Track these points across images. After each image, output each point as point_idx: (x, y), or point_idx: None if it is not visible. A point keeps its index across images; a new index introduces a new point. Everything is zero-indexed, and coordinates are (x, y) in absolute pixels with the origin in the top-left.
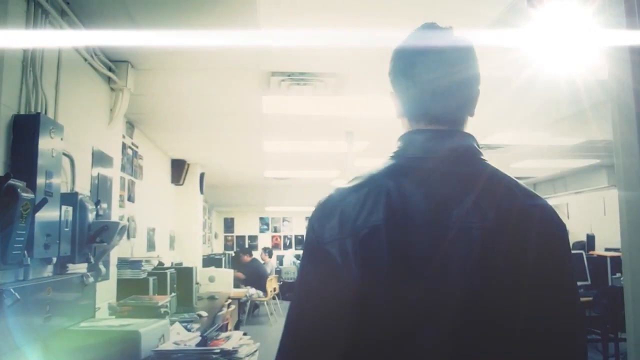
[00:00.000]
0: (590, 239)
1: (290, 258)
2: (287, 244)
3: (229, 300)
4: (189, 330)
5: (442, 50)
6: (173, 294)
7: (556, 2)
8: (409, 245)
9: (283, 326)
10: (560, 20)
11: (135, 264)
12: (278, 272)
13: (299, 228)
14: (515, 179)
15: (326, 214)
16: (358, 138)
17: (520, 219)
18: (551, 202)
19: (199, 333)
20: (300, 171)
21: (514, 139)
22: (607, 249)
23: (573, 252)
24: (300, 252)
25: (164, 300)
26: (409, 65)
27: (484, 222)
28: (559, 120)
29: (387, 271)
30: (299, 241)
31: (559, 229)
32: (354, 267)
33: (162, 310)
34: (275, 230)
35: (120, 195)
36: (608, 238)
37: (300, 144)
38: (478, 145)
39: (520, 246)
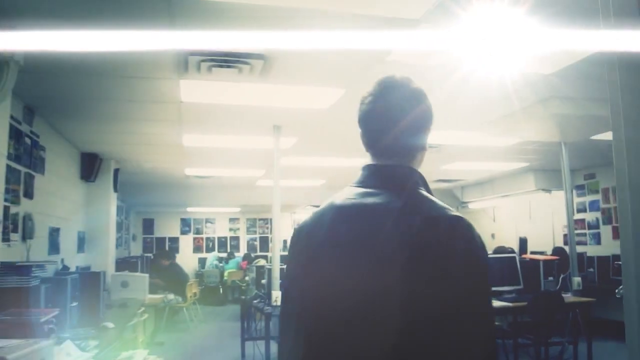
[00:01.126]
0: (523, 242)
1: (213, 261)
2: (210, 246)
3: (142, 309)
4: (83, 349)
5: (386, 99)
6: (74, 304)
7: (487, 3)
8: (325, 260)
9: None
10: (491, 21)
11: (22, 270)
12: (200, 275)
13: (223, 230)
14: (435, 203)
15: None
16: (286, 133)
17: (423, 233)
18: (478, 205)
19: (96, 352)
20: (224, 169)
21: (447, 139)
22: (532, 252)
23: (506, 255)
24: (222, 254)
25: (49, 314)
26: (363, 112)
27: (395, 253)
28: (491, 120)
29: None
30: (222, 244)
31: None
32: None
33: (47, 327)
34: (198, 232)
35: (14, 190)
36: (534, 241)
37: (223, 138)
38: (419, 178)
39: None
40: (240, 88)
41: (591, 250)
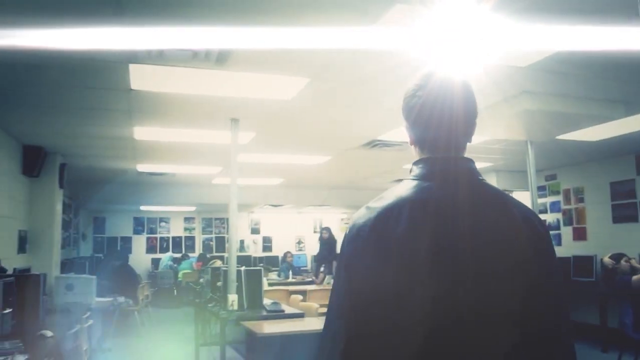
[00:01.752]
0: None
1: (167, 262)
2: (164, 246)
3: (88, 313)
4: None
5: (449, 92)
6: (6, 310)
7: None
8: (432, 251)
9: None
10: (454, 20)
11: None
12: (153, 276)
13: (178, 229)
14: (508, 194)
15: (362, 225)
16: (244, 127)
17: (515, 230)
18: None
19: None
20: (178, 166)
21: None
22: None
23: None
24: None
25: None
26: (422, 105)
27: (484, 232)
28: None
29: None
30: (176, 244)
31: (546, 233)
32: (388, 272)
33: None
34: (152, 232)
35: None
36: None
37: (177, 132)
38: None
39: (519, 251)
40: (195, 76)
41: None
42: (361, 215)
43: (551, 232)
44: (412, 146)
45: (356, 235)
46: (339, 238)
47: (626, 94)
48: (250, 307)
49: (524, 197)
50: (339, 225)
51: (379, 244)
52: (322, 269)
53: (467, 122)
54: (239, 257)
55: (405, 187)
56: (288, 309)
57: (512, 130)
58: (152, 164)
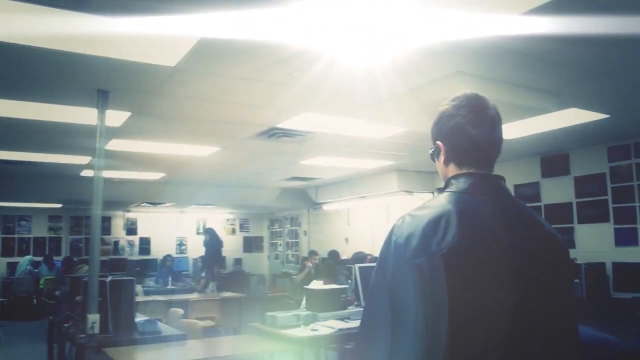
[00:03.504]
0: None
1: (25, 266)
2: (24, 248)
3: None
4: None
5: (486, 115)
6: None
7: None
8: (479, 260)
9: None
10: (356, 10)
11: None
12: (8, 284)
13: (41, 229)
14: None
15: (410, 232)
16: (116, 103)
17: (546, 241)
18: (333, 206)
19: None
20: (39, 154)
21: (313, 125)
22: None
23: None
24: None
25: None
26: (465, 124)
27: (526, 242)
28: (358, 108)
29: (466, 283)
30: (39, 245)
31: (565, 246)
32: (440, 280)
33: None
34: (9, 232)
35: None
36: None
37: (32, 107)
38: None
39: (551, 263)
40: (50, 22)
41: None
42: (406, 222)
43: None
44: (442, 163)
45: (406, 241)
46: (226, 240)
47: (559, 86)
48: (117, 329)
49: (423, 199)
50: (224, 226)
51: (427, 252)
52: (203, 274)
53: (499, 142)
54: (112, 261)
55: (448, 199)
56: (166, 329)
57: (421, 123)
58: (6, 150)
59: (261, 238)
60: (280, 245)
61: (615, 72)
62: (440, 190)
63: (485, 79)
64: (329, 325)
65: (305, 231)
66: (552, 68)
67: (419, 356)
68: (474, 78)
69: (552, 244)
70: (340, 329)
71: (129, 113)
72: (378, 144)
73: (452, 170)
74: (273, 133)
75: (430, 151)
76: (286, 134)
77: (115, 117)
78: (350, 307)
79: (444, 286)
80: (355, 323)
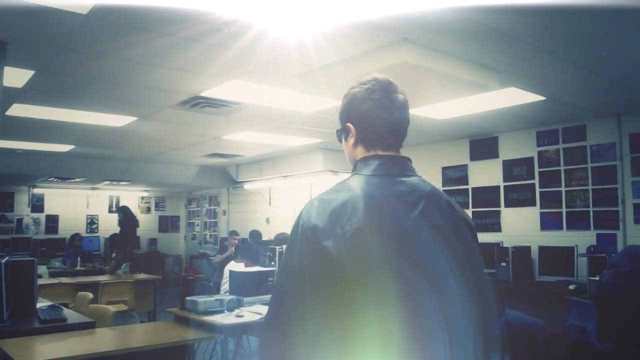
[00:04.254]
0: None
1: None
2: None
3: None
4: None
5: (397, 99)
6: None
7: None
8: (385, 241)
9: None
10: None
11: None
12: None
13: None
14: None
15: (317, 216)
16: (16, 57)
17: (452, 214)
18: (254, 185)
19: None
20: None
21: (240, 94)
22: None
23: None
24: None
25: None
26: (377, 107)
27: (433, 221)
28: (289, 77)
29: (370, 263)
30: None
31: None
32: (346, 261)
33: None
34: None
35: None
36: None
37: None
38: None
39: (458, 232)
40: None
41: None
42: (314, 206)
43: None
44: (351, 145)
45: (314, 225)
46: (141, 220)
47: (504, 61)
48: (15, 317)
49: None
50: (139, 204)
51: (333, 234)
52: (114, 255)
53: (407, 125)
54: (15, 240)
55: (357, 182)
56: (73, 316)
57: None
58: None
59: (178, 217)
60: (198, 225)
61: (560, 50)
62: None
63: (430, 49)
64: (255, 311)
65: (224, 211)
66: (499, 42)
67: (336, 338)
68: (419, 47)
69: (454, 214)
70: None
71: (32, 71)
72: (307, 119)
73: (361, 152)
74: (196, 102)
75: (337, 132)
76: (211, 103)
77: (16, 76)
78: None
79: (350, 267)
80: None
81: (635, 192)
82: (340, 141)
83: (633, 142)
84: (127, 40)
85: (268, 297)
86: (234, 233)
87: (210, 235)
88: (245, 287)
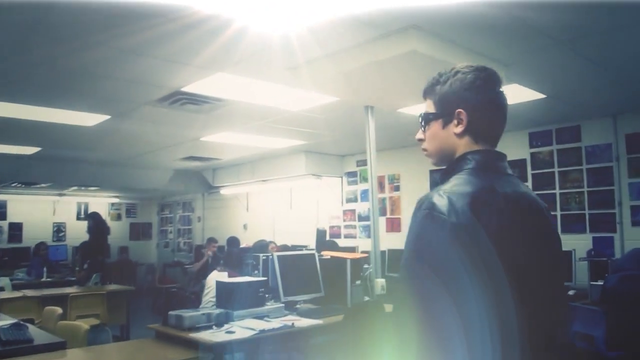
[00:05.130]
0: (322, 234)
1: None
2: None
3: None
4: None
5: (500, 88)
6: None
7: None
8: (517, 236)
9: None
10: None
11: None
12: None
13: None
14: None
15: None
16: None
17: (549, 220)
18: (231, 190)
19: None
20: None
21: (225, 90)
22: (296, 246)
23: (305, 253)
24: None
25: None
26: (491, 98)
27: (541, 226)
28: (278, 70)
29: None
30: None
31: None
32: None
33: None
34: None
35: None
36: (295, 234)
37: None
38: None
39: (554, 238)
40: None
41: (363, 244)
42: (452, 200)
43: (361, 223)
44: (455, 134)
45: (457, 220)
46: (111, 227)
47: (510, 55)
48: None
49: (335, 184)
50: (108, 211)
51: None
52: (85, 265)
53: (506, 119)
54: None
55: (478, 176)
56: (40, 335)
57: (347, 91)
58: None
59: (150, 224)
60: (171, 232)
61: (569, 42)
62: (451, 170)
63: (440, 37)
64: (247, 326)
65: (199, 217)
66: (507, 34)
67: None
68: (429, 35)
69: (547, 217)
70: (262, 330)
71: None
72: (292, 118)
73: (466, 143)
74: (177, 99)
75: (427, 115)
76: (192, 100)
77: None
78: (268, 303)
79: (498, 263)
80: (277, 322)
81: (633, 193)
82: (426, 125)
83: (629, 143)
84: (99, 25)
85: (260, 309)
86: (212, 240)
87: (185, 243)
88: (235, 299)
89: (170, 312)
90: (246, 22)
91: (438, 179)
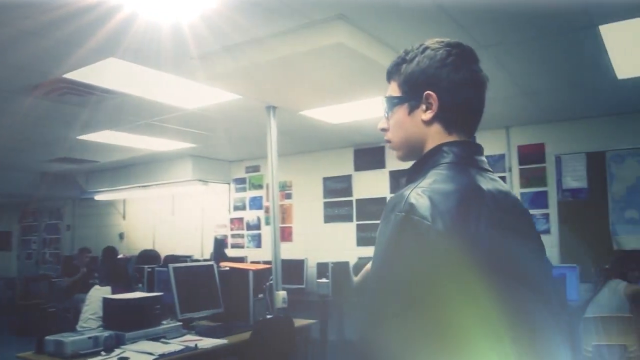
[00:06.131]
0: (220, 244)
1: None
2: None
3: None
4: None
5: (478, 68)
6: None
7: None
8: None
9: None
10: None
11: None
12: None
13: None
14: None
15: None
16: None
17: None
18: (107, 196)
19: None
20: None
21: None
22: (181, 257)
23: (202, 264)
24: None
25: None
26: (465, 80)
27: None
28: (165, 60)
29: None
30: None
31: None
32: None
33: None
34: None
35: None
36: (179, 243)
37: None
38: None
39: (537, 233)
40: None
41: (251, 254)
42: (433, 200)
43: (249, 232)
44: (422, 121)
45: (435, 220)
46: None
47: None
48: None
49: (223, 190)
50: None
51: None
52: None
53: (484, 105)
54: None
55: (458, 171)
56: None
57: (269, 84)
58: None
59: (9, 233)
60: (35, 242)
61: (498, 46)
62: (423, 164)
63: (367, 33)
64: (142, 350)
65: (68, 225)
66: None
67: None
68: (356, 29)
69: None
70: (162, 355)
71: None
72: (185, 117)
73: (437, 133)
74: (57, 87)
75: (392, 99)
76: (75, 89)
77: None
78: (164, 322)
79: (497, 288)
80: (177, 344)
81: (525, 203)
82: (389, 111)
83: (521, 154)
84: None
85: (155, 329)
86: (85, 250)
87: (51, 254)
88: (125, 318)
89: (48, 337)
90: (134, 8)
91: (404, 179)
